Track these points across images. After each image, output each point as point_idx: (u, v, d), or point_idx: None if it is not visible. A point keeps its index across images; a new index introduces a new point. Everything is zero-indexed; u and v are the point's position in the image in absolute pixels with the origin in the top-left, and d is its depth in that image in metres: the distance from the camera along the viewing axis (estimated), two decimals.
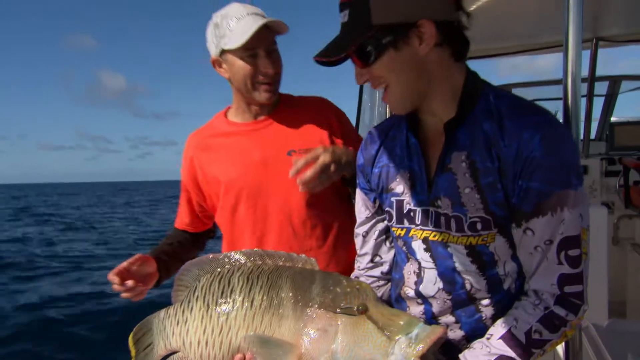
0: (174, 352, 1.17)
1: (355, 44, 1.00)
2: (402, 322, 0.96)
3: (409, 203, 1.14)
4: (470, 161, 1.03)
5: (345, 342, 0.96)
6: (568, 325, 1.02)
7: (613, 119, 5.24)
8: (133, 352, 1.22)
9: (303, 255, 1.11)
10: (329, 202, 1.60)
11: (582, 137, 4.08)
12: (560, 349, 1.14)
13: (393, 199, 1.17)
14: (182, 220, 1.79)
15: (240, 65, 1.51)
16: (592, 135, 4.88)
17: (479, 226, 1.04)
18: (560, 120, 1.05)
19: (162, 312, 1.20)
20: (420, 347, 0.91)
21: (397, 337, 0.94)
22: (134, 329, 1.24)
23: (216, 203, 1.65)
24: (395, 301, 1.25)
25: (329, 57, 1.01)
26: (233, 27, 1.47)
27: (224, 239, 1.69)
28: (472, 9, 2.49)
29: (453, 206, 1.05)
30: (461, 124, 1.05)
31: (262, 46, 1.49)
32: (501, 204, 1.01)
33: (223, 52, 1.52)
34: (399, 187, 1.15)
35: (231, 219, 1.62)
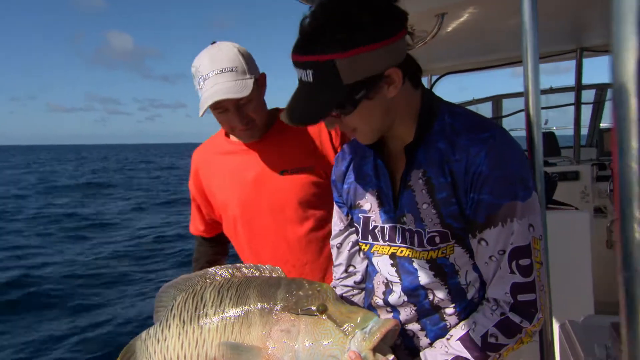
0: None
1: (333, 108, 1.02)
2: (358, 319, 1.03)
3: (375, 220, 1.19)
4: (427, 178, 1.09)
5: (307, 340, 1.03)
6: (523, 332, 1.06)
7: (602, 124, 5.34)
8: None
9: (269, 265, 1.19)
10: (324, 220, 1.63)
11: (572, 143, 4.17)
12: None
13: (360, 215, 1.22)
14: (196, 228, 1.86)
15: (216, 118, 1.57)
16: (583, 141, 4.97)
17: (437, 240, 1.08)
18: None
19: (144, 334, 1.27)
20: (374, 340, 0.98)
21: (353, 333, 1.01)
22: (120, 353, 1.31)
23: (222, 215, 1.72)
24: (368, 309, 1.30)
25: (309, 123, 1.03)
26: (202, 87, 1.50)
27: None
28: (453, 26, 2.60)
29: (415, 222, 1.10)
30: (419, 145, 1.10)
31: (230, 104, 1.50)
32: (456, 217, 1.06)
33: None
34: (367, 204, 1.21)
35: (233, 233, 1.71)
